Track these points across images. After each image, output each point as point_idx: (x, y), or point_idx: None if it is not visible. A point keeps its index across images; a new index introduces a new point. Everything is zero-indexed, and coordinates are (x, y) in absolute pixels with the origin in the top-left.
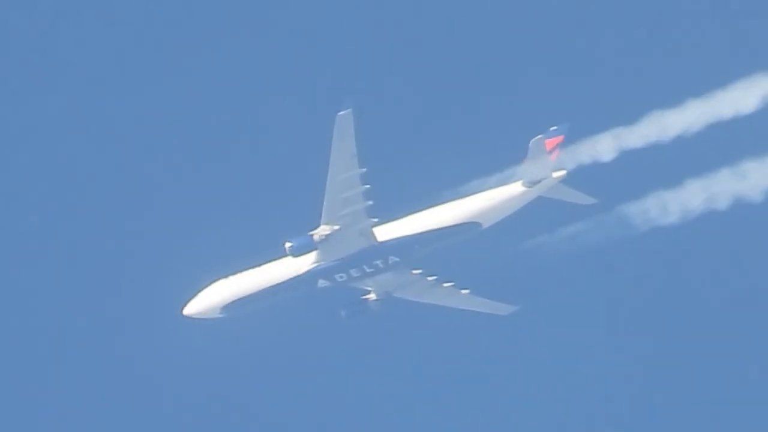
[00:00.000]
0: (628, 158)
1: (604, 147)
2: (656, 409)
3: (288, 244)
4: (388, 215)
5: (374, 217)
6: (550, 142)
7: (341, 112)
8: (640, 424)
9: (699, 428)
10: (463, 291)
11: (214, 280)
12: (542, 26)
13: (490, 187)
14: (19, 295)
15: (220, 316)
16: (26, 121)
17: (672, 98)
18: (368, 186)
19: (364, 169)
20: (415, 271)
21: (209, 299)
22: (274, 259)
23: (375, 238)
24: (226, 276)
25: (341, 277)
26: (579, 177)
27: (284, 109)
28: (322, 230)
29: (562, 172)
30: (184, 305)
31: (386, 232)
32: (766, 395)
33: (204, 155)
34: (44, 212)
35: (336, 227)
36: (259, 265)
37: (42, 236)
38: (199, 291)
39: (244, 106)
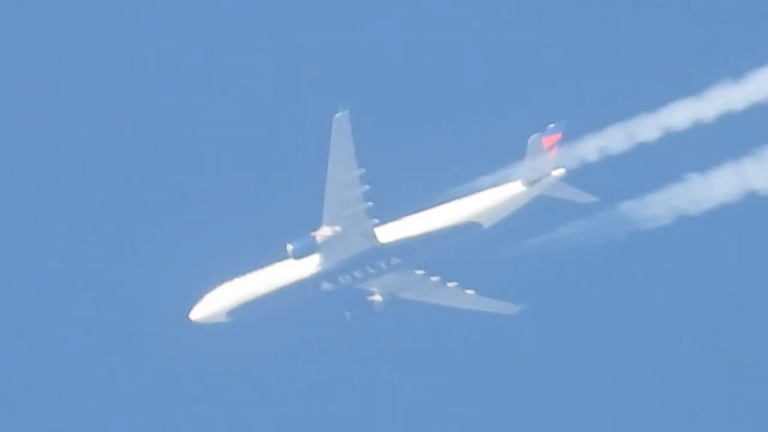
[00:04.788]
0: (628, 155)
1: (603, 144)
2: (658, 408)
3: (290, 246)
4: (388, 216)
5: (375, 218)
6: (549, 140)
7: (338, 114)
8: (642, 424)
9: (701, 428)
10: (468, 291)
11: (219, 284)
12: (540, 23)
13: (490, 187)
14: (24, 299)
15: (226, 320)
16: (29, 121)
17: (672, 95)
18: (368, 187)
19: (363, 170)
20: (418, 272)
21: (215, 304)
22: (277, 262)
23: (376, 239)
24: (230, 279)
25: (344, 279)
26: (579, 175)
27: (284, 109)
28: (324, 231)
29: (562, 170)
30: (190, 310)
31: (387, 233)
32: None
33: (205, 158)
34: (49, 216)
35: (337, 228)
36: (262, 267)
37: (47, 240)
38: (205, 295)
39: (245, 108)
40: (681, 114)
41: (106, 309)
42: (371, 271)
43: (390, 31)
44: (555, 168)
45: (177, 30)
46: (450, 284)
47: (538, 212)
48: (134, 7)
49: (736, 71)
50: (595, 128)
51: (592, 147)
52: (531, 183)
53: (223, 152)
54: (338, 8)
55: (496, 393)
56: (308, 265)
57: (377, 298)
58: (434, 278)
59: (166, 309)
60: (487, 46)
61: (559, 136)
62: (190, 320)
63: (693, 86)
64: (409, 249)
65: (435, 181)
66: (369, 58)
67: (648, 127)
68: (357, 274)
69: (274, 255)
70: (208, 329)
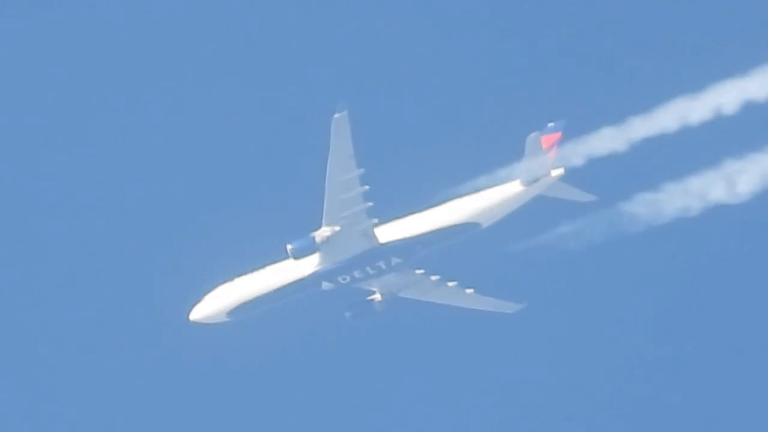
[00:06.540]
0: (627, 154)
1: (603, 143)
2: (659, 407)
3: (289, 246)
4: (388, 216)
5: (374, 218)
6: (547, 139)
7: (337, 115)
8: (642, 423)
9: (700, 426)
10: (467, 290)
11: (219, 284)
12: (538, 23)
13: (489, 187)
14: (23, 299)
15: (227, 320)
16: (29, 120)
17: (669, 94)
18: (367, 187)
19: (362, 170)
20: (417, 272)
21: (215, 304)
22: (276, 262)
23: (376, 239)
24: (230, 279)
25: (344, 279)
26: (578, 174)
27: (283, 109)
28: (323, 231)
29: (561, 170)
30: (190, 310)
31: (386, 233)
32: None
33: (205, 157)
34: (48, 217)
35: (337, 228)
36: (262, 267)
37: (46, 241)
38: (204, 295)
39: (244, 108)
40: (679, 113)
41: (105, 309)
42: (371, 271)
43: (389, 30)
44: (554, 168)
45: (177, 29)
46: (450, 283)
47: (536, 211)
48: (137, 7)
49: (736, 70)
50: (594, 127)
51: (591, 146)
52: (530, 183)
53: (223, 152)
54: (338, 8)
55: (496, 392)
56: (308, 265)
57: (377, 297)
58: (434, 277)
59: (166, 309)
60: (486, 45)
61: (558, 135)
62: (189, 320)
63: (691, 85)
64: (409, 249)
65: (434, 181)
66: (368, 58)
67: (647, 127)
68: (357, 274)
69: (274, 255)
70: (208, 329)
